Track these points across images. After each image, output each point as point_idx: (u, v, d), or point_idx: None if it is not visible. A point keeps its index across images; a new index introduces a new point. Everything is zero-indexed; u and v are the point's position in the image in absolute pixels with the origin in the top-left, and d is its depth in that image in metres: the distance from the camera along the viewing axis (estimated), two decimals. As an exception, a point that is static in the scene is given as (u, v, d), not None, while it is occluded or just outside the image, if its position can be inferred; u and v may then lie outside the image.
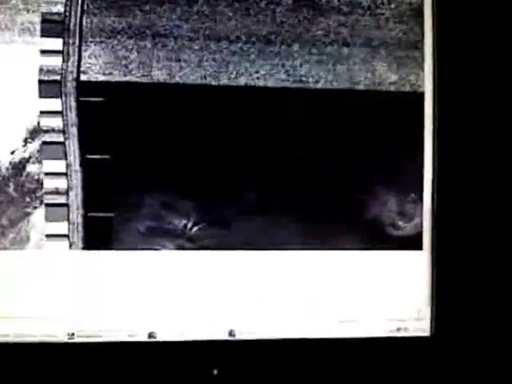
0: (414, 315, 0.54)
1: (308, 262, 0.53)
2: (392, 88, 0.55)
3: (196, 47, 0.53)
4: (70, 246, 0.52)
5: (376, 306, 0.54)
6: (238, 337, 0.52)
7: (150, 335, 0.52)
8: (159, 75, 0.53)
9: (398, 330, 0.54)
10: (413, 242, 0.54)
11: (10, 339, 0.51)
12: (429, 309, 0.54)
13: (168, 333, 0.52)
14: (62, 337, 0.52)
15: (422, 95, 0.55)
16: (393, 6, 0.55)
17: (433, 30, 0.54)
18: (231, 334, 0.53)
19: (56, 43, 0.52)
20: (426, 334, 0.54)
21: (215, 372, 0.52)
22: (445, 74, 0.54)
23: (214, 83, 0.53)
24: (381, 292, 0.54)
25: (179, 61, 0.53)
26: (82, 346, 0.51)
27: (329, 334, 0.53)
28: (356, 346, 0.53)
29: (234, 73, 0.53)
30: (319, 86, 0.54)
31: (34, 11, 0.52)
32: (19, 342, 0.51)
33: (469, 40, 0.54)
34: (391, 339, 0.53)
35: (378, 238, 0.54)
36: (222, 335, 0.52)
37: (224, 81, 0.53)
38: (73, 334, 0.52)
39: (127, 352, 0.52)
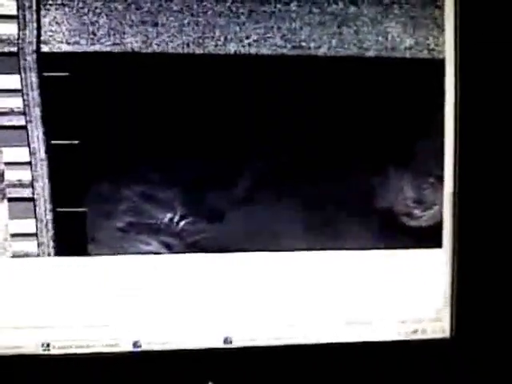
0: (432, 316, 0.48)
1: (311, 263, 0.47)
2: (407, 54, 0.47)
3: (175, 8, 0.45)
4: (39, 246, 0.45)
5: (389, 308, 0.48)
6: (235, 344, 0.46)
7: (135, 344, 0.46)
8: (133, 43, 0.45)
9: (415, 332, 0.48)
10: (431, 237, 0.47)
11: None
12: (448, 309, 0.47)
13: (154, 342, 0.46)
14: (35, 348, 0.46)
15: (442, 62, 0.47)
16: (408, -47, 0.46)
17: (456, -18, 0.46)
18: (227, 341, 0.47)
19: (9, 7, 0.44)
20: (446, 335, 0.48)
21: None
22: (469, 36, 0.46)
23: (197, 51, 0.45)
24: (395, 292, 0.48)
25: (156, 25, 0.45)
26: (58, 357, 0.45)
27: (335, 338, 0.47)
28: (366, 350, 0.47)
29: (222, 38, 0.45)
30: (322, 52, 0.46)
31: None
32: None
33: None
34: (407, 342, 0.47)
35: (391, 230, 0.47)
36: (217, 343, 0.46)
37: (209, 48, 0.45)
38: (48, 345, 0.46)
39: (109, 363, 0.46)
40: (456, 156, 0.47)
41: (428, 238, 0.48)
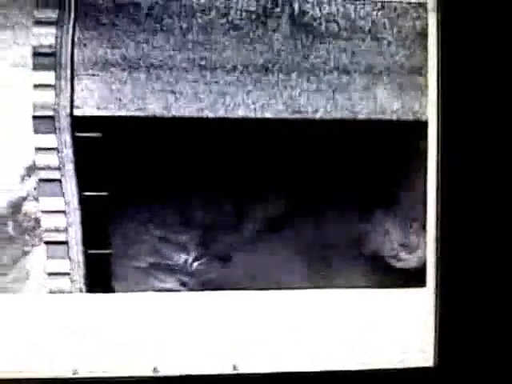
0: (417, 347, 0.54)
1: (311, 300, 0.53)
2: (394, 116, 0.53)
3: (191, 78, 0.52)
4: (72, 283, 0.52)
5: (378, 340, 0.54)
6: (241, 370, 0.53)
7: (155, 370, 0.53)
8: (154, 108, 0.52)
9: (401, 361, 0.54)
10: (416, 277, 0.53)
11: (16, 375, 0.51)
12: (432, 341, 0.53)
13: (172, 368, 0.53)
14: (66, 372, 0.52)
15: (425, 124, 0.53)
16: (395, 29, 0.53)
17: (437, 54, 0.52)
18: (235, 368, 0.53)
19: (48, 77, 0.51)
20: (429, 364, 0.54)
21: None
22: (449, 100, 0.52)
23: (210, 115, 0.52)
24: (384, 326, 0.54)
25: (174, 93, 0.52)
26: (86, 381, 0.52)
27: (331, 366, 0.53)
28: (359, 377, 0.53)
29: (231, 104, 0.52)
30: (318, 116, 0.52)
31: (24, 44, 0.50)
32: (24, 377, 0.51)
33: (475, 65, 0.52)
34: (394, 370, 0.53)
35: (380, 271, 0.53)
36: (226, 369, 0.53)
37: (221, 113, 0.52)
38: (77, 370, 0.52)
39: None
40: (438, 205, 0.53)
41: (413, 278, 0.54)
